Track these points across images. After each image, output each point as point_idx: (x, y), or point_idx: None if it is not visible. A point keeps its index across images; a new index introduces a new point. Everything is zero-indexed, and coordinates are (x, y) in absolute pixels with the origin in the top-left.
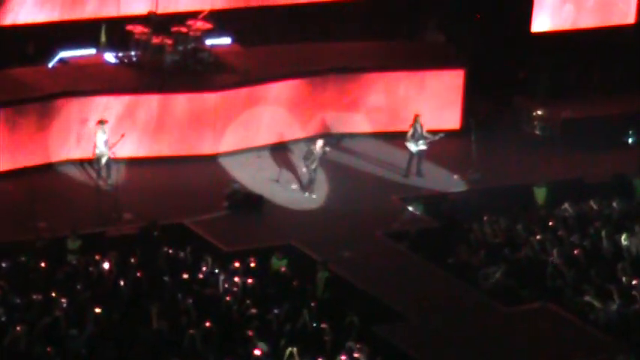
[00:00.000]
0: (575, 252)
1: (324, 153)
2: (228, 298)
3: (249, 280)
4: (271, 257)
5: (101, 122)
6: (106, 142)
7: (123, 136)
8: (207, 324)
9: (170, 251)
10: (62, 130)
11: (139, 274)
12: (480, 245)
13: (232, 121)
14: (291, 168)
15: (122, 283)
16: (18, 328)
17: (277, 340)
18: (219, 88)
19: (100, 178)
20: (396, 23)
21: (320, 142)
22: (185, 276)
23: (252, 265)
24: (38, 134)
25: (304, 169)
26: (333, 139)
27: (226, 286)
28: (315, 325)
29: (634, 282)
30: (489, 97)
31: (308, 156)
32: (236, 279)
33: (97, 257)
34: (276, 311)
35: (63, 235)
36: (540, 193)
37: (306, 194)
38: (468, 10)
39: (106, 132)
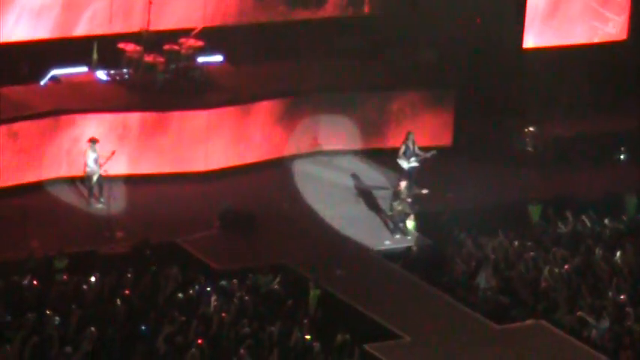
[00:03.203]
0: (567, 268)
1: (412, 192)
2: (223, 315)
3: (243, 299)
4: (261, 276)
5: (92, 141)
6: (96, 160)
7: (113, 153)
8: (200, 342)
9: (162, 269)
10: (54, 148)
11: (131, 293)
12: (473, 262)
13: (224, 138)
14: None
15: (116, 301)
16: (8, 348)
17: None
18: (210, 106)
19: (92, 197)
20: (388, 42)
21: (404, 183)
22: (178, 294)
23: (245, 283)
24: (30, 152)
25: (390, 212)
26: (325, 156)
27: (216, 304)
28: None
29: (622, 297)
30: (480, 115)
31: (395, 198)
32: (231, 298)
33: (89, 276)
34: (273, 329)
35: (54, 253)
36: (535, 211)
37: (407, 238)
38: (460, 27)
39: (97, 150)
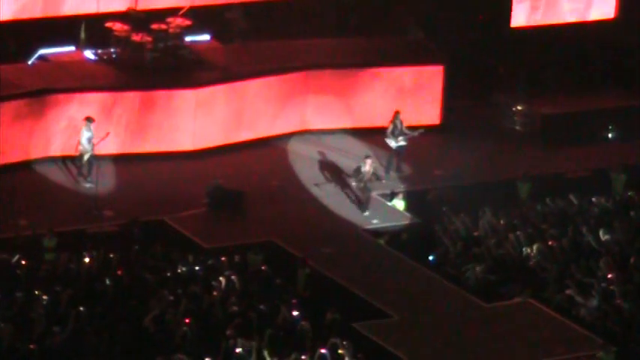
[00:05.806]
0: (555, 246)
1: (374, 173)
2: (214, 293)
3: (231, 277)
4: (249, 254)
5: (88, 120)
6: (90, 140)
7: (108, 134)
8: (187, 321)
9: (151, 248)
10: (42, 127)
11: (120, 272)
12: (461, 240)
13: (212, 117)
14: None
15: (104, 280)
16: (2, 325)
17: (257, 338)
18: (198, 84)
19: (81, 176)
20: (375, 19)
21: (369, 161)
22: (166, 273)
23: (233, 261)
24: (18, 131)
25: (354, 187)
26: (312, 135)
27: (205, 282)
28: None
29: (609, 275)
30: (469, 93)
31: (356, 174)
32: (219, 277)
33: (78, 254)
34: (262, 307)
35: (43, 232)
36: (524, 189)
37: (366, 213)
38: (448, 5)
39: (92, 130)
